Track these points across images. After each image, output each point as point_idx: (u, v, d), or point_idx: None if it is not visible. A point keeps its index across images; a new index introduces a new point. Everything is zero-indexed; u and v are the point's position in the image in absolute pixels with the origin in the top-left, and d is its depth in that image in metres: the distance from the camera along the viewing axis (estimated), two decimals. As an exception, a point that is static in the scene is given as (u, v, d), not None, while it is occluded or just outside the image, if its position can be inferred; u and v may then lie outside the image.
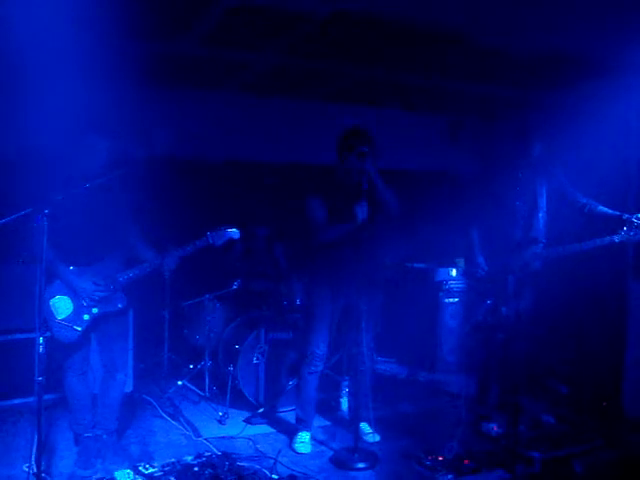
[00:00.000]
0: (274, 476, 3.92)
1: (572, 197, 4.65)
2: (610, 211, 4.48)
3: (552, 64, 5.29)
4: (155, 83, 5.85)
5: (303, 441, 4.46)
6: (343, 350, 5.41)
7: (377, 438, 4.58)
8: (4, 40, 4.32)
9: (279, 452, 4.29)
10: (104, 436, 4.15)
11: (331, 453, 4.38)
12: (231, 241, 4.22)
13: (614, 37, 4.60)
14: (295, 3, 4.22)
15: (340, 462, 4.17)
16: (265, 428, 4.84)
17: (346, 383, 5.22)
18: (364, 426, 4.60)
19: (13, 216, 3.24)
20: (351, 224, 4.19)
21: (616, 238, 4.32)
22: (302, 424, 4.56)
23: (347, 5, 4.23)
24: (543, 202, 4.70)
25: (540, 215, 4.68)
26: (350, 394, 5.09)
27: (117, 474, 3.80)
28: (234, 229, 4.20)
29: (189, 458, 4.02)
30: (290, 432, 4.63)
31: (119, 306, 4.00)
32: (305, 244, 4.59)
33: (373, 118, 6.79)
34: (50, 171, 3.92)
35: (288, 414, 5.00)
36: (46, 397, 3.36)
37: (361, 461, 4.12)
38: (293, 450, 4.41)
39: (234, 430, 4.74)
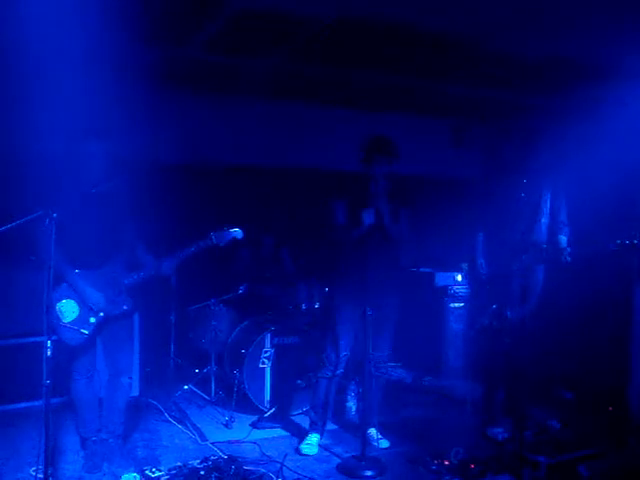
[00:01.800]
0: (280, 480, 3.94)
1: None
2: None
3: (557, 69, 5.31)
4: (162, 87, 5.88)
5: (310, 443, 4.47)
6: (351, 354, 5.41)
7: (386, 444, 4.57)
8: (13, 43, 4.36)
9: (285, 456, 4.29)
10: (110, 440, 4.15)
11: (336, 458, 4.37)
12: (235, 241, 4.22)
13: (620, 42, 4.62)
14: (300, 8, 4.25)
15: (348, 470, 4.14)
16: (271, 432, 4.83)
17: (353, 387, 5.23)
18: (372, 432, 4.60)
19: (22, 220, 3.26)
20: (362, 228, 4.22)
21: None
22: (313, 426, 4.58)
23: (352, 10, 4.26)
24: (547, 207, 4.71)
25: (543, 220, 4.70)
26: (358, 399, 5.10)
27: (124, 478, 3.82)
28: (237, 229, 4.21)
29: (195, 462, 4.02)
30: (297, 436, 4.66)
31: (124, 308, 4.02)
32: (329, 249, 4.61)
33: (378, 123, 6.80)
34: (56, 175, 3.94)
35: (294, 418, 5.01)
36: (53, 401, 3.37)
37: (368, 469, 4.09)
38: (298, 451, 4.42)
39: (240, 434, 4.74)
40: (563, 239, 4.69)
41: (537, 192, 4.67)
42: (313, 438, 4.51)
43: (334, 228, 4.43)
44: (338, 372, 4.54)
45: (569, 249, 4.42)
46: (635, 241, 4.18)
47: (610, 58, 4.97)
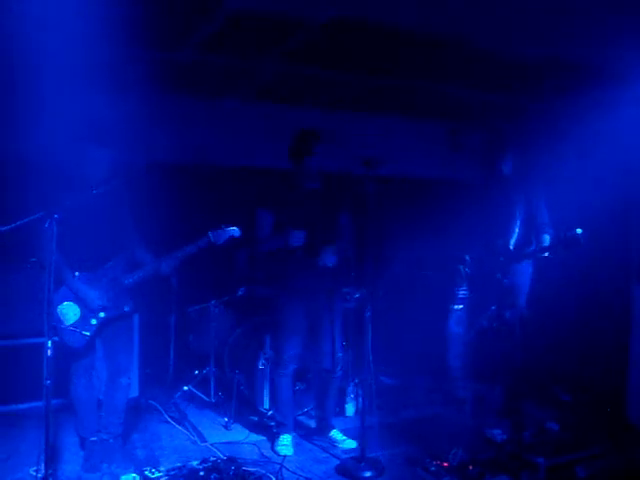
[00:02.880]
0: (279, 481, 3.95)
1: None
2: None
3: (554, 70, 5.32)
4: (160, 89, 5.89)
5: (285, 444, 4.47)
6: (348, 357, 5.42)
7: (352, 445, 4.56)
8: (12, 47, 4.38)
9: (284, 457, 4.31)
10: (110, 440, 4.15)
11: (335, 460, 4.37)
12: (232, 239, 4.24)
13: (615, 43, 4.63)
14: (294, 10, 4.26)
15: (347, 471, 4.14)
16: (270, 434, 4.83)
17: (350, 389, 5.24)
18: (335, 433, 4.67)
19: (23, 220, 3.28)
20: (282, 241, 4.30)
21: None
22: (282, 427, 4.58)
23: (346, 12, 4.27)
24: (520, 211, 4.83)
25: (517, 222, 4.80)
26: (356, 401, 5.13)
27: (123, 478, 3.84)
28: (235, 227, 4.23)
29: (195, 463, 4.03)
30: (298, 436, 4.70)
31: (125, 309, 4.04)
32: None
33: (375, 126, 6.84)
34: (57, 177, 3.96)
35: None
36: (53, 402, 3.38)
37: (367, 470, 4.08)
38: (276, 453, 4.42)
39: (239, 435, 4.76)
40: (546, 238, 4.77)
41: (512, 195, 4.80)
42: (286, 438, 4.52)
43: (257, 240, 4.47)
44: (292, 368, 4.56)
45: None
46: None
47: (610, 60, 4.98)
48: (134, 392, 5.12)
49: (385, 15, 4.34)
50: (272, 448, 4.50)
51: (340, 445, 4.56)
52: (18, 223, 3.26)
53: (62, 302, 3.89)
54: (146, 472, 3.87)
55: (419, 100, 6.60)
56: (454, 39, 4.74)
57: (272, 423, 4.78)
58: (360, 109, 6.90)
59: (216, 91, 6.25)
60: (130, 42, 4.56)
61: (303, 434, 4.85)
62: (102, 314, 3.94)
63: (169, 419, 4.97)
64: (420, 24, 4.51)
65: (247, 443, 4.62)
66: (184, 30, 4.61)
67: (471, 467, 4.02)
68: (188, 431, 4.81)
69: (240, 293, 5.71)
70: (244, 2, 4.13)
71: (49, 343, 3.31)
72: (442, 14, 4.30)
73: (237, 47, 4.98)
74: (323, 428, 4.74)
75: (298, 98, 6.56)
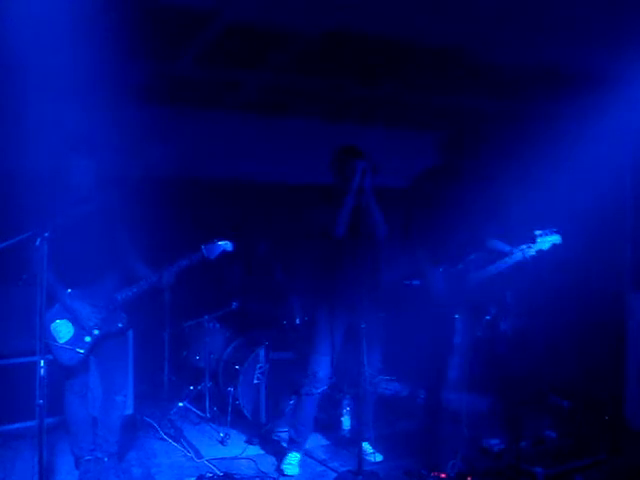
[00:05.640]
0: (276, 496, 3.93)
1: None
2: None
3: (546, 78, 5.34)
4: (153, 102, 5.89)
5: (291, 463, 4.37)
6: (345, 369, 5.40)
7: (379, 458, 4.55)
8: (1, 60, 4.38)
9: (281, 471, 4.28)
10: (105, 459, 4.11)
11: (333, 473, 4.35)
12: (225, 254, 4.22)
13: (607, 50, 4.66)
14: (289, 23, 4.28)
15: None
16: (267, 448, 4.81)
17: (347, 402, 5.21)
18: (366, 446, 4.58)
19: (13, 240, 3.25)
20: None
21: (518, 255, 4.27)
22: (294, 445, 4.47)
23: (339, 24, 4.29)
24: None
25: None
26: (352, 414, 5.09)
27: (119, 497, 3.81)
28: (227, 241, 4.21)
29: (191, 480, 4.02)
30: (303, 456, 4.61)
31: (119, 325, 4.00)
32: (310, 264, 4.60)
33: (366, 135, 6.83)
34: (46, 192, 3.94)
35: (289, 434, 4.99)
36: (47, 421, 3.35)
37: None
38: (280, 471, 4.33)
39: (236, 451, 4.72)
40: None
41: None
42: (294, 458, 4.40)
43: (328, 224, 4.32)
44: (322, 389, 4.46)
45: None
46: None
47: (599, 66, 5.01)
48: (129, 409, 5.08)
49: (376, 27, 4.36)
50: (278, 466, 4.40)
51: (369, 457, 4.48)
52: (7, 243, 3.24)
53: (55, 320, 3.86)
54: (142, 490, 3.85)
55: (405, 110, 6.63)
56: (447, 50, 4.77)
57: (275, 438, 4.73)
58: (351, 118, 6.93)
59: (209, 103, 6.26)
60: (124, 53, 4.55)
61: (336, 443, 4.88)
62: (96, 331, 3.91)
63: (165, 436, 4.94)
64: (408, 36, 4.53)
65: (243, 458, 4.58)
66: (180, 42, 4.62)
67: (469, 478, 4.01)
68: (184, 447, 4.77)
69: (233, 307, 5.70)
70: (240, 14, 4.14)
71: (42, 362, 3.28)
72: (433, 26, 4.32)
73: (230, 59, 4.99)
74: (356, 439, 4.69)
75: (291, 109, 6.58)
